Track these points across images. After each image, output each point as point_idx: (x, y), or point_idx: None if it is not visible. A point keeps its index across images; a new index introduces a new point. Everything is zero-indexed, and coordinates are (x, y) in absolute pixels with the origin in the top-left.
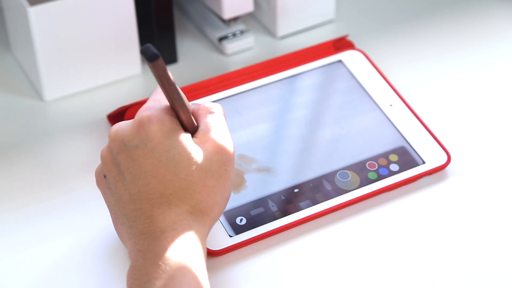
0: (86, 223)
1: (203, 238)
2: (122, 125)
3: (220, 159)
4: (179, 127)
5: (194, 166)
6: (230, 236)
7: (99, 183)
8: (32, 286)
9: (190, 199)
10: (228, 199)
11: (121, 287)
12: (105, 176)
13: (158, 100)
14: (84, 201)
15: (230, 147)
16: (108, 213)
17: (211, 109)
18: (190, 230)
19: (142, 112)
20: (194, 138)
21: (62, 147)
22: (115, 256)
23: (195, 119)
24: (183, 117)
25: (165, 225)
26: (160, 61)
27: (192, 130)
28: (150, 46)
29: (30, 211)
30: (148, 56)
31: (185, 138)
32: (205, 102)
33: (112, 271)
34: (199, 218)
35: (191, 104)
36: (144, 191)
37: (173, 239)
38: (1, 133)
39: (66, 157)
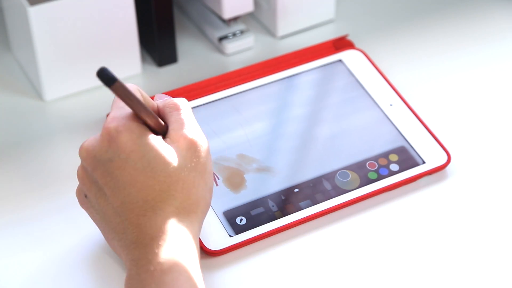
0: (86, 223)
1: (194, 237)
2: (92, 141)
3: (194, 153)
4: (148, 131)
5: (171, 166)
6: (230, 236)
7: (82, 204)
8: (30, 286)
9: (173, 200)
10: (211, 190)
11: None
12: (86, 196)
13: (122, 107)
14: None
15: (200, 140)
16: None
17: (176, 105)
18: (178, 231)
19: (108, 124)
20: (166, 139)
21: (62, 147)
22: (113, 257)
23: (162, 118)
24: (151, 122)
25: (153, 231)
26: (118, 83)
27: (162, 131)
28: (105, 69)
29: (29, 211)
30: (104, 81)
31: (156, 141)
32: (168, 98)
33: (110, 272)
34: (186, 217)
35: (157, 101)
36: (126, 201)
37: (163, 243)
38: (1, 133)
39: (66, 157)
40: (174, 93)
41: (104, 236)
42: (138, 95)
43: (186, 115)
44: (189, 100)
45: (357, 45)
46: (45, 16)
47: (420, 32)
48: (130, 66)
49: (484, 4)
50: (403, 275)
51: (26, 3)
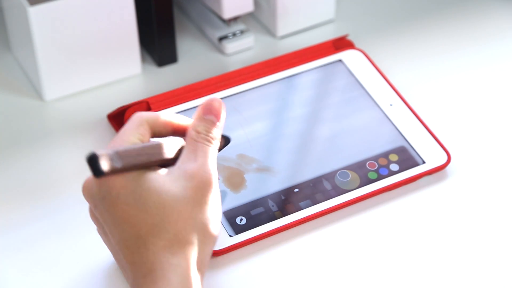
0: (85, 223)
1: (191, 269)
2: (88, 181)
3: (196, 185)
4: None
5: (164, 197)
6: (230, 236)
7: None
8: (28, 286)
9: (166, 233)
10: (216, 223)
11: (117, 286)
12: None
13: (116, 144)
14: (83, 201)
15: (206, 172)
16: None
17: (202, 137)
18: (169, 266)
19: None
20: (172, 167)
21: (62, 147)
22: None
23: (186, 138)
24: (148, 164)
25: (145, 269)
26: (109, 171)
27: (164, 163)
28: (94, 157)
29: (29, 211)
30: (92, 170)
31: (148, 173)
32: (202, 125)
33: (110, 273)
34: (179, 250)
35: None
36: (121, 239)
37: (152, 282)
38: (1, 133)
39: (66, 157)
40: (174, 93)
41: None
42: (132, 158)
43: (210, 149)
44: (189, 100)
45: (357, 45)
46: (45, 16)
47: (420, 32)
48: (130, 66)
49: (484, 4)
50: (403, 275)
51: (26, 3)
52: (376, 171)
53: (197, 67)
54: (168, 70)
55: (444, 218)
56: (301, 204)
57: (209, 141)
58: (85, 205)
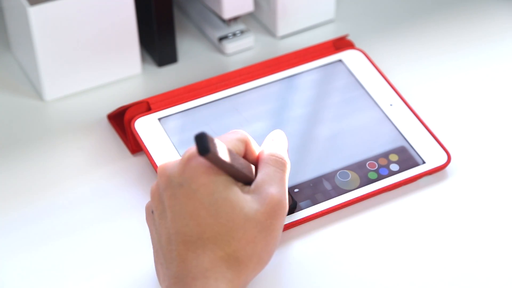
0: (84, 223)
1: None
2: (172, 162)
3: (268, 211)
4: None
5: (237, 213)
6: None
7: (147, 218)
8: (28, 286)
9: (227, 246)
10: (271, 253)
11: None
12: (152, 212)
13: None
14: (83, 201)
15: (281, 202)
16: (106, 215)
17: (284, 164)
18: (222, 279)
19: (192, 149)
20: (246, 187)
21: (62, 147)
22: (113, 259)
23: (259, 161)
24: (239, 177)
25: (197, 272)
26: (211, 155)
27: (246, 182)
28: (204, 136)
29: (29, 211)
30: (198, 148)
31: (231, 184)
32: (274, 148)
33: (109, 274)
34: (235, 266)
35: (265, 146)
36: (182, 232)
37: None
38: (1, 133)
39: (66, 157)
40: (174, 93)
41: (154, 259)
42: (229, 158)
43: (283, 175)
44: (189, 100)
45: (357, 45)
46: (45, 16)
47: (420, 32)
48: (130, 66)
49: (484, 4)
50: (403, 275)
51: (26, 3)
52: (376, 171)
53: (197, 67)
54: (168, 70)
55: (444, 218)
56: (301, 204)
57: (283, 165)
58: (84, 206)
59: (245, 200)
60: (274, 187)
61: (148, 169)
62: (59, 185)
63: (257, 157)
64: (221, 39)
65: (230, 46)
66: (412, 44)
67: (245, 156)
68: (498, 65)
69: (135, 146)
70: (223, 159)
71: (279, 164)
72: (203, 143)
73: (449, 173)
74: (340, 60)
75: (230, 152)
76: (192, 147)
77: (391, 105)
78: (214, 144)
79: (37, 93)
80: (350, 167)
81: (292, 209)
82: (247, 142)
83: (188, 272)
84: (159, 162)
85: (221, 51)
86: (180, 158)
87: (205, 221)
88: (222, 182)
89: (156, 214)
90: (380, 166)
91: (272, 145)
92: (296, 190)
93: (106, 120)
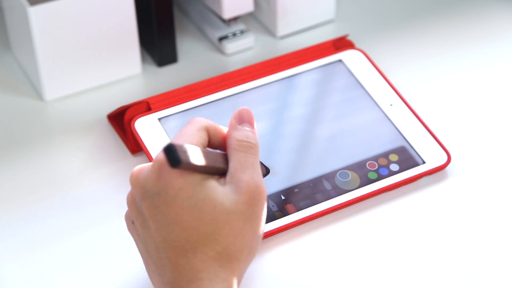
0: (84, 224)
1: (232, 286)
2: (143, 170)
3: (247, 200)
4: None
5: (219, 209)
6: None
7: (129, 228)
8: (28, 286)
9: (216, 244)
10: (259, 241)
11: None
12: (133, 222)
13: (183, 138)
14: (83, 202)
15: (258, 187)
16: (106, 215)
17: (254, 149)
18: (216, 278)
19: (162, 156)
20: (224, 178)
21: (62, 147)
22: (112, 260)
23: (228, 148)
24: (214, 172)
25: (191, 275)
26: (184, 165)
27: (222, 173)
28: (173, 147)
29: (29, 211)
30: (169, 160)
31: (208, 181)
32: (241, 132)
33: (109, 274)
34: (227, 264)
35: (226, 126)
36: (168, 239)
37: None
38: (1, 133)
39: (66, 157)
40: (174, 93)
41: (145, 266)
42: (201, 158)
43: (255, 159)
44: (189, 100)
45: (357, 45)
46: (45, 16)
47: (420, 32)
48: (130, 66)
49: (484, 4)
50: (403, 275)
51: (26, 3)
52: (376, 171)
53: (197, 67)
54: (168, 70)
55: (444, 218)
56: (301, 204)
57: (252, 148)
58: (84, 206)
59: (224, 194)
60: (247, 173)
61: None
62: (59, 185)
63: (224, 136)
64: (221, 39)
65: (230, 46)
66: (412, 44)
67: (211, 142)
68: (498, 65)
69: (135, 146)
70: (195, 164)
71: (248, 148)
72: (174, 155)
73: (449, 173)
74: (340, 60)
75: (201, 151)
76: (161, 154)
77: (391, 105)
78: (184, 151)
79: (37, 93)
80: (350, 167)
81: (265, 176)
82: (208, 128)
83: (182, 277)
84: None
85: (221, 51)
86: (151, 163)
87: (189, 224)
88: (198, 181)
89: (137, 224)
90: (380, 166)
91: (238, 129)
92: (296, 190)
93: (106, 120)
